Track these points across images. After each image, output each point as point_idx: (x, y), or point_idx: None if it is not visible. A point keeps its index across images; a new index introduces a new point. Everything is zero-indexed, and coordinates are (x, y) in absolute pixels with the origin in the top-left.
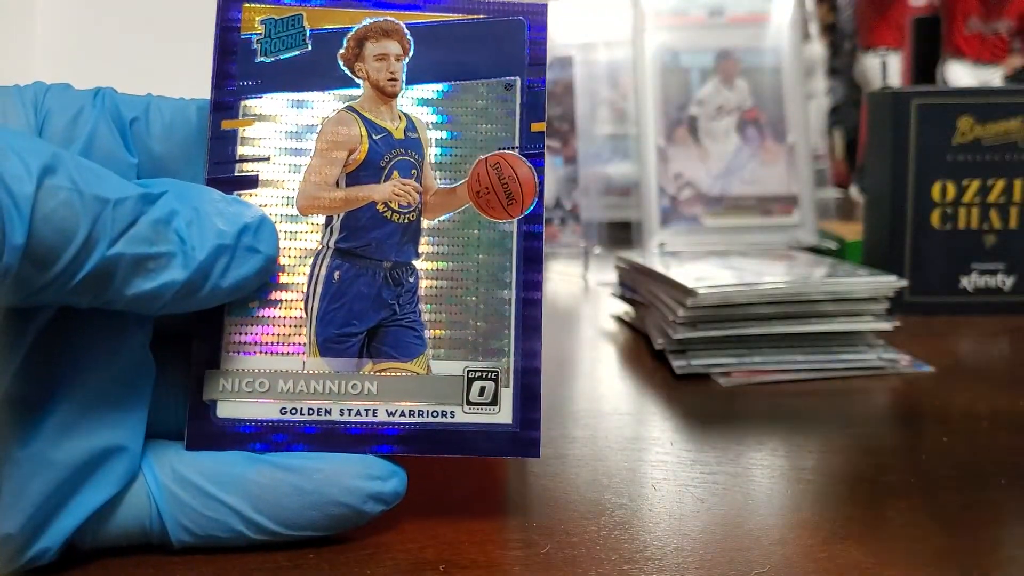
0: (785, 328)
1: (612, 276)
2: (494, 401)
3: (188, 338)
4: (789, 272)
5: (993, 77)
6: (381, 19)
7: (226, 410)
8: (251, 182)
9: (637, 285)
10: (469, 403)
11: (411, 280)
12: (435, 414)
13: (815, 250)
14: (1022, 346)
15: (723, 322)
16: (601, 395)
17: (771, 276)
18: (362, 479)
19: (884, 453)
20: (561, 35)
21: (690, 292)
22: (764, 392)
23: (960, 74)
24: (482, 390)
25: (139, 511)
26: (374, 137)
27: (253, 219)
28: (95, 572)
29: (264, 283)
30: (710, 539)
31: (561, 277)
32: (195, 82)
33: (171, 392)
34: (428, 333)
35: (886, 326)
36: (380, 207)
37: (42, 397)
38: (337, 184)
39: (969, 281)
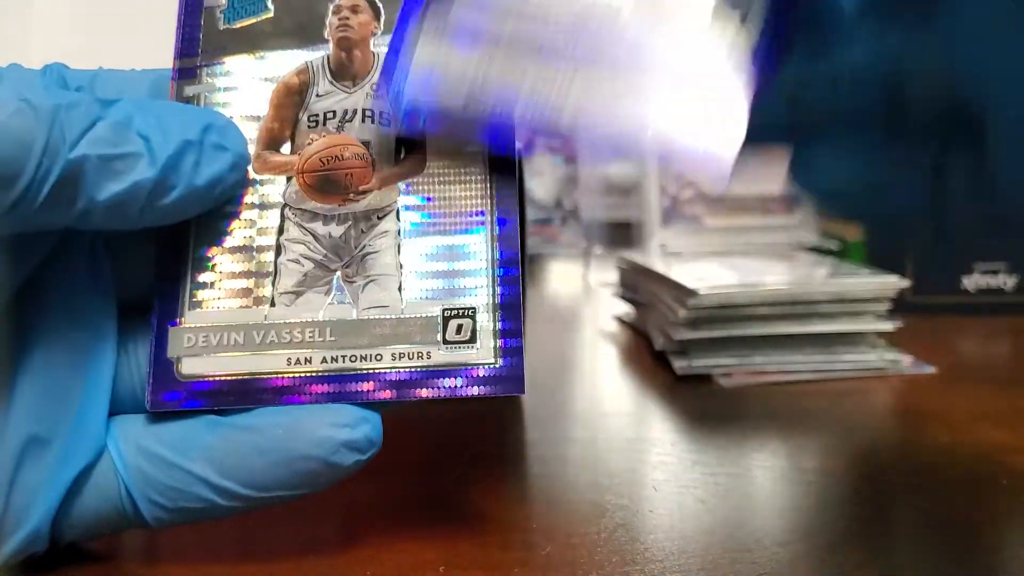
0: (787, 328)
1: (613, 276)
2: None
3: (145, 307)
4: (791, 272)
5: None
6: None
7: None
8: None
9: (638, 285)
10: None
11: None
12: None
13: (817, 250)
14: (1023, 346)
15: (724, 322)
16: (601, 396)
17: (772, 276)
18: (329, 428)
19: (886, 454)
20: None
21: (691, 292)
22: (765, 393)
23: None
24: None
25: (109, 491)
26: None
27: (216, 120)
28: (95, 572)
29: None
30: (712, 540)
31: (561, 277)
32: None
33: (134, 365)
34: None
35: (888, 326)
36: None
37: (5, 374)
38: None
39: (971, 281)
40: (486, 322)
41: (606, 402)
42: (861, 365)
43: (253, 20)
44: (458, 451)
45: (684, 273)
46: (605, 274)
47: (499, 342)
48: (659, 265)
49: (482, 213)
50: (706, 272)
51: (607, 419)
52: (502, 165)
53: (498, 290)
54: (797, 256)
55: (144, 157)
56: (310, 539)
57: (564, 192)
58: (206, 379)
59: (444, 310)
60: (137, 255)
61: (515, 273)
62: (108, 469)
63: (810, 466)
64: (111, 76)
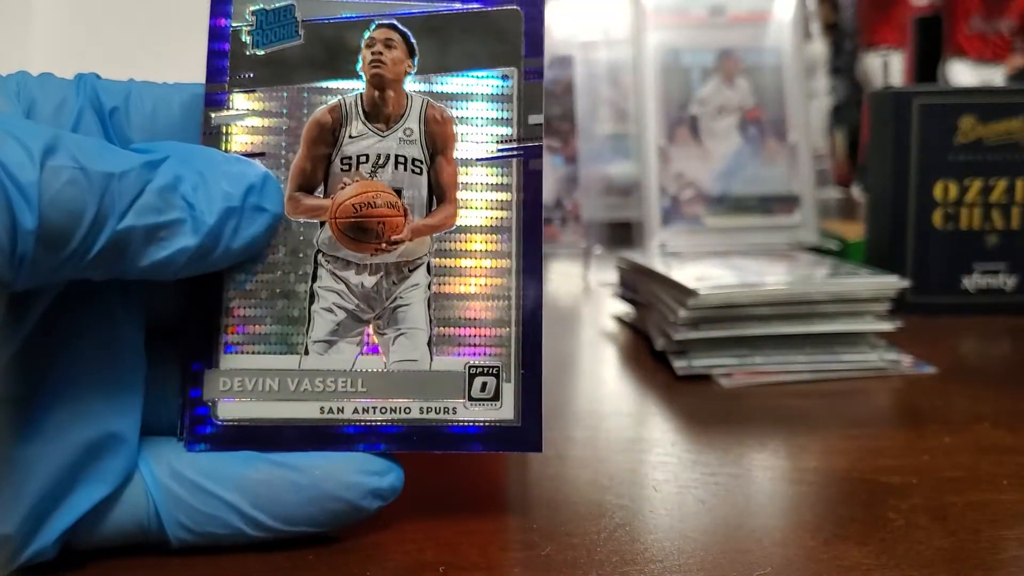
0: (787, 329)
1: (613, 276)
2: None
3: (178, 333)
4: (791, 272)
5: (995, 76)
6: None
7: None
8: None
9: (638, 285)
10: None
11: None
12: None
13: (817, 250)
14: (1023, 346)
15: (724, 322)
16: (602, 396)
17: (773, 276)
18: (360, 475)
19: (886, 454)
20: (561, 34)
21: (691, 292)
22: (765, 393)
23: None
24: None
25: (136, 509)
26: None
27: (257, 178)
28: (95, 572)
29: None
30: (711, 540)
31: (562, 277)
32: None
33: (164, 388)
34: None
35: (888, 327)
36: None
37: (35, 395)
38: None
39: (971, 281)
40: (508, 381)
41: (606, 402)
42: (861, 365)
43: (282, 47)
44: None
45: (684, 273)
46: (605, 274)
47: (521, 402)
48: (659, 265)
49: (508, 272)
50: (706, 272)
51: (607, 419)
52: (530, 221)
53: (521, 351)
54: (797, 256)
55: (187, 224)
56: (310, 539)
57: (564, 192)
58: (242, 423)
59: (468, 367)
60: (167, 285)
61: (537, 335)
62: (138, 489)
63: (810, 466)
64: (145, 92)
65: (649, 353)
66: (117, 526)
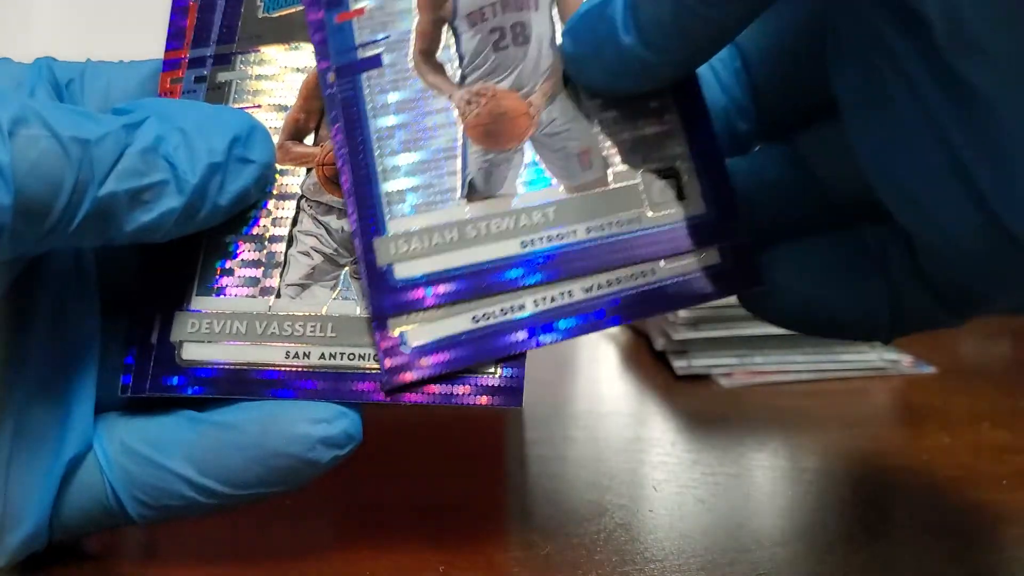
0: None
1: None
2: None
3: (134, 308)
4: None
5: None
6: None
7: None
8: None
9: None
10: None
11: None
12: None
13: None
14: (1023, 346)
15: (724, 322)
16: (601, 396)
17: None
18: (306, 424)
19: (886, 454)
20: None
21: None
22: (765, 393)
23: None
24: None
25: (95, 489)
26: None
27: (243, 128)
28: (94, 572)
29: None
30: (711, 540)
31: None
32: None
33: (116, 363)
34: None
35: None
36: None
37: None
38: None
39: None
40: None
41: (606, 402)
42: (861, 365)
43: (293, 10)
44: (458, 451)
45: None
46: None
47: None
48: None
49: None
50: None
51: (607, 419)
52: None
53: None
54: None
55: (171, 184)
56: (310, 539)
57: None
58: (206, 366)
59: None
60: (122, 253)
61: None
62: (94, 467)
63: (810, 466)
64: (101, 69)
65: (649, 353)
66: (82, 509)
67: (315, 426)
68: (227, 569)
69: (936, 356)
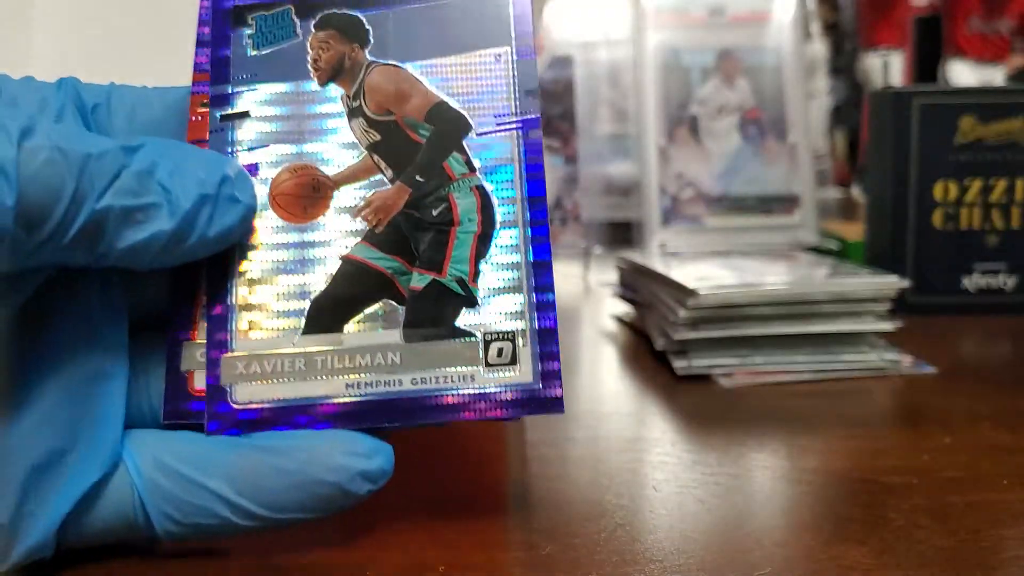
0: (787, 329)
1: (613, 276)
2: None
3: (159, 322)
4: (791, 272)
5: (995, 76)
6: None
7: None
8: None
9: (638, 285)
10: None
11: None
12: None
13: (817, 250)
14: (1023, 346)
15: (724, 322)
16: (602, 396)
17: (773, 276)
18: (346, 457)
19: (886, 454)
20: (561, 34)
21: (691, 292)
22: (765, 393)
23: (962, 73)
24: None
25: (122, 503)
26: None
27: (232, 170)
28: (95, 572)
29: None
30: (711, 540)
31: (562, 277)
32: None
33: (147, 379)
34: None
35: (888, 326)
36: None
37: (19, 387)
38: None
39: (971, 281)
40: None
41: (606, 402)
42: (861, 365)
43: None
44: (458, 451)
45: (684, 273)
46: (605, 274)
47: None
48: (659, 265)
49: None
50: (706, 272)
51: (607, 419)
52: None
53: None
54: (797, 256)
55: (164, 208)
56: (310, 539)
57: (564, 192)
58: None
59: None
60: (148, 275)
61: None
62: (123, 481)
63: (810, 466)
64: (125, 93)
65: (649, 353)
66: (105, 521)
67: (356, 459)
68: (227, 569)
69: (936, 356)
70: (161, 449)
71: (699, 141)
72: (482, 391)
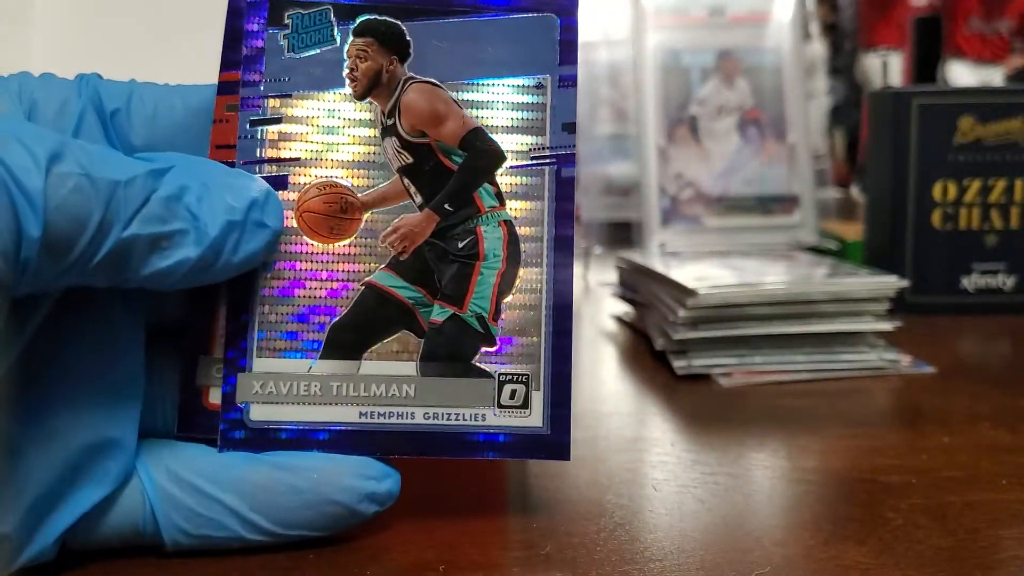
0: (786, 328)
1: (612, 276)
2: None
3: (177, 334)
4: (790, 272)
5: (994, 77)
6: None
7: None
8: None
9: (637, 285)
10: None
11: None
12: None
13: (816, 250)
14: (1023, 346)
15: (724, 322)
16: (601, 396)
17: (772, 276)
18: (357, 479)
19: (885, 453)
20: None
21: (691, 292)
22: (765, 392)
23: (961, 74)
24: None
25: (132, 511)
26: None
27: (260, 193)
28: (95, 572)
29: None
30: (711, 540)
31: None
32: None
33: (163, 390)
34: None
35: (887, 326)
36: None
37: (35, 398)
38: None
39: (970, 281)
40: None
41: (606, 402)
42: (860, 365)
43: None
44: None
45: (684, 273)
46: (605, 274)
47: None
48: (659, 265)
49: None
50: (706, 272)
51: (607, 419)
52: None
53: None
54: (796, 256)
55: (191, 235)
56: (309, 539)
57: None
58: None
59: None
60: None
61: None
62: (135, 490)
63: (809, 466)
64: (147, 94)
65: (649, 353)
66: (113, 528)
67: (366, 481)
68: (227, 569)
69: (935, 356)
70: (175, 461)
71: (699, 141)
72: (492, 432)
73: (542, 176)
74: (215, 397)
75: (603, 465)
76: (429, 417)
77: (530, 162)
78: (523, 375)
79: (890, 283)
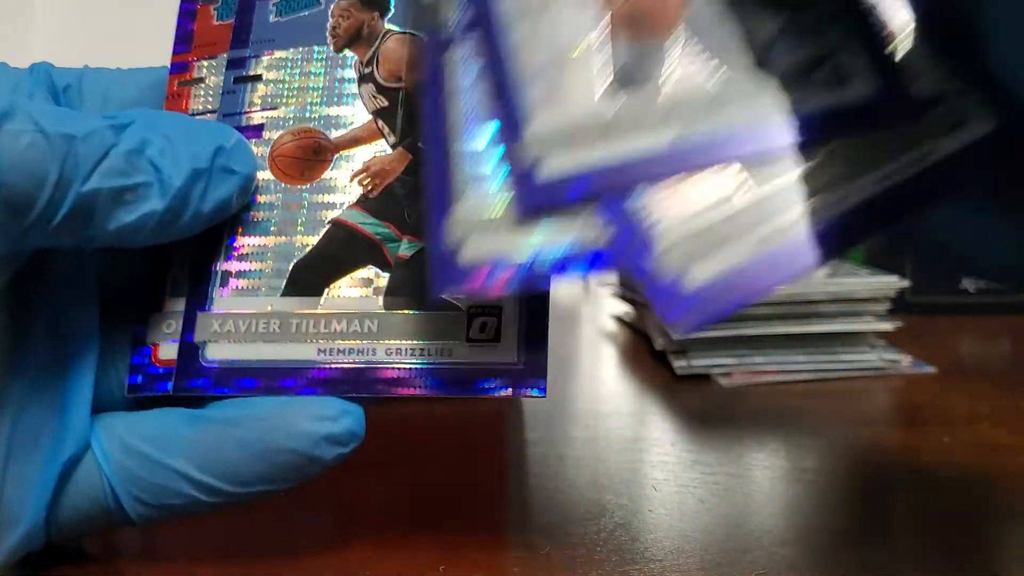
0: (786, 328)
1: (612, 276)
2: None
3: (131, 307)
4: None
5: None
6: None
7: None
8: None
9: (638, 285)
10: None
11: None
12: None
13: None
14: (1023, 346)
15: (724, 322)
16: (601, 396)
17: None
18: (310, 421)
19: (885, 453)
20: None
21: None
22: (765, 392)
23: None
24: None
25: (94, 489)
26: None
27: (227, 139)
28: (94, 572)
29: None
30: (711, 540)
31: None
32: None
33: (113, 362)
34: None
35: (887, 326)
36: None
37: None
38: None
39: (970, 281)
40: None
41: (606, 402)
42: (861, 365)
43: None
44: (458, 451)
45: None
46: (605, 274)
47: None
48: None
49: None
50: None
51: (607, 419)
52: None
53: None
54: None
55: (155, 187)
56: (309, 539)
57: None
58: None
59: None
60: (124, 254)
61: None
62: (92, 467)
63: (810, 466)
64: (99, 75)
65: (649, 353)
66: (80, 510)
67: (319, 423)
68: (227, 569)
69: (936, 356)
70: (127, 431)
71: None
72: (458, 368)
73: None
74: (166, 353)
75: (603, 465)
76: (392, 353)
77: None
78: (495, 307)
79: (891, 283)
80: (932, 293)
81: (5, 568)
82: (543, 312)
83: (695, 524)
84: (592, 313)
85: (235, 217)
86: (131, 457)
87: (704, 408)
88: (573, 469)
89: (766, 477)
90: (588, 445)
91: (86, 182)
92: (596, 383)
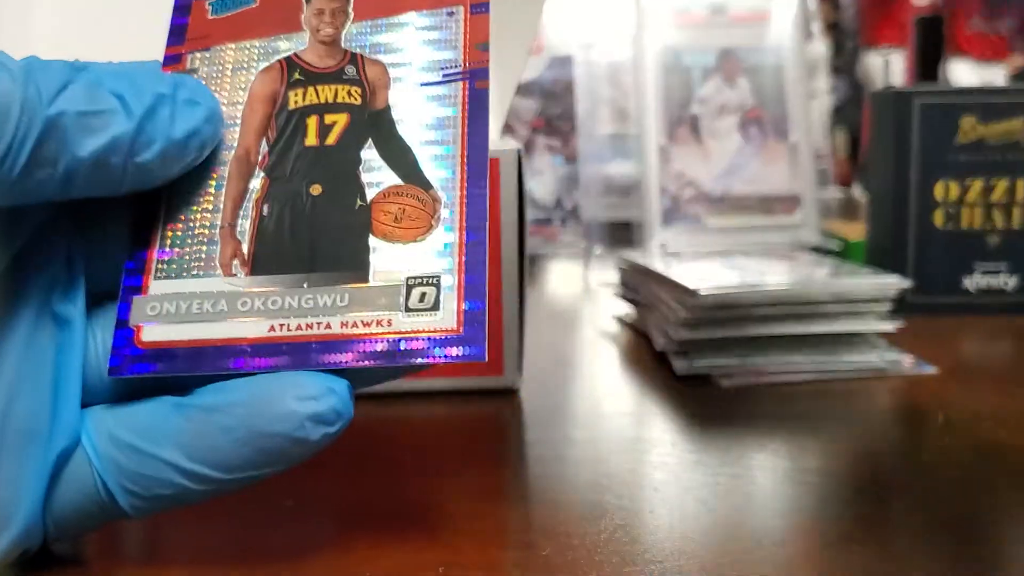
0: (787, 329)
1: (613, 276)
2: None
3: (112, 278)
4: (792, 272)
5: (996, 76)
6: None
7: (151, 333)
8: None
9: (638, 285)
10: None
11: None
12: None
13: (818, 250)
14: None
15: (725, 323)
16: (602, 396)
17: (773, 276)
18: (293, 401)
19: (887, 454)
20: (561, 34)
21: (692, 293)
22: (766, 393)
23: (963, 73)
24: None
25: (86, 484)
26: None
27: (185, 80)
28: (94, 572)
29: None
30: (712, 541)
31: (562, 277)
32: None
33: (101, 356)
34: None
35: (889, 327)
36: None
37: None
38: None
39: (972, 281)
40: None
41: (606, 402)
42: (862, 365)
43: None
44: (458, 451)
45: (684, 273)
46: (605, 274)
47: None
48: (659, 265)
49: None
50: (707, 272)
51: (607, 419)
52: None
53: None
54: (798, 256)
55: (120, 112)
56: (309, 539)
57: (564, 192)
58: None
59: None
60: (110, 246)
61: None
62: (83, 461)
63: (811, 466)
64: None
65: (649, 353)
66: (74, 505)
67: (303, 403)
68: (227, 569)
69: (937, 356)
70: (115, 423)
71: (700, 141)
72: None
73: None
74: (148, 335)
75: (603, 466)
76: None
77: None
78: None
79: (892, 283)
80: (933, 293)
81: (4, 566)
82: (481, 279)
83: (696, 525)
84: (593, 314)
85: (172, 192)
86: (120, 449)
87: (705, 409)
88: (573, 470)
89: (767, 478)
90: (588, 446)
91: (51, 104)
92: (597, 384)
